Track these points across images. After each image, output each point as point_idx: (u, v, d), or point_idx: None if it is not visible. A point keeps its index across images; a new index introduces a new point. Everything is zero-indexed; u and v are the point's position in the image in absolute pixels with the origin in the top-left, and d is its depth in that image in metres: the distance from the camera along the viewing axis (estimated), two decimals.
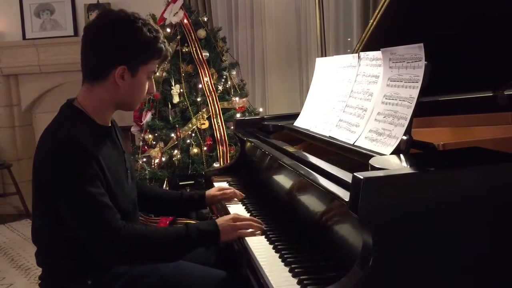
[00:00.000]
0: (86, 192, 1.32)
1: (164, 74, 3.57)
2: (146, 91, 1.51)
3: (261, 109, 3.90)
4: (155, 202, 1.80)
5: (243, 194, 1.83)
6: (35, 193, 1.45)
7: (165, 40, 1.51)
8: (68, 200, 1.35)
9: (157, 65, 1.52)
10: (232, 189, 1.84)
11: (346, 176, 1.17)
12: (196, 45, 3.58)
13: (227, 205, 1.81)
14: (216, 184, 2.09)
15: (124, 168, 1.54)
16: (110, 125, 1.53)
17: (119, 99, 1.47)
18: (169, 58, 1.59)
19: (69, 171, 1.33)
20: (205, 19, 3.78)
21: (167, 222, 3.08)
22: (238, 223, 1.47)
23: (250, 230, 1.46)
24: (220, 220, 1.48)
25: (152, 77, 1.53)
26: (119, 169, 1.49)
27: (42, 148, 1.41)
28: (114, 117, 1.64)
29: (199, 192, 1.83)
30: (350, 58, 1.65)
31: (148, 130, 3.59)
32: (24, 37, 4.63)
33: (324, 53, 2.82)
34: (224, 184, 2.09)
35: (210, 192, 1.82)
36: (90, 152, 1.35)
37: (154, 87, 1.57)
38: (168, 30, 3.63)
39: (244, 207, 1.76)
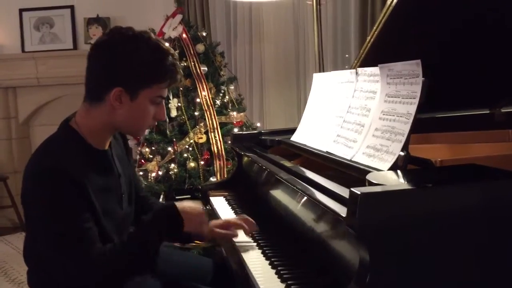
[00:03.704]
0: (64, 223, 1.28)
1: None
2: (150, 117, 1.40)
3: (258, 124, 3.90)
4: None
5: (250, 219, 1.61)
6: (25, 216, 1.41)
7: (176, 63, 1.40)
8: (44, 228, 1.31)
9: (165, 89, 1.40)
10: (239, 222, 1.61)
11: (343, 192, 1.17)
12: (195, 60, 3.60)
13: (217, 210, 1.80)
14: (213, 200, 2.08)
15: (119, 194, 1.47)
16: (106, 148, 1.46)
17: (117, 123, 1.40)
18: (179, 82, 1.43)
19: (48, 200, 1.28)
20: (204, 34, 3.79)
21: None
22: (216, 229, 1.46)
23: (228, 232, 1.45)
24: (186, 209, 1.40)
25: (163, 102, 1.43)
26: (110, 197, 1.42)
27: (28, 172, 1.35)
28: None
29: None
30: (348, 73, 1.66)
31: (145, 144, 3.59)
32: (23, 50, 4.65)
33: (322, 69, 2.83)
34: (221, 200, 2.08)
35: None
36: (76, 183, 1.29)
37: (165, 113, 1.44)
38: (167, 44, 3.64)
39: None
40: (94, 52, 1.39)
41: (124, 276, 1.34)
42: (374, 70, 1.47)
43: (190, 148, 3.50)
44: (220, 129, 3.51)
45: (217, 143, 3.46)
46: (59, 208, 1.28)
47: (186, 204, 1.44)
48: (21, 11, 4.64)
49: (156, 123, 3.51)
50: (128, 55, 1.34)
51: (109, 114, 1.38)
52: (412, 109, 1.24)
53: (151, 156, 3.55)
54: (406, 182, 1.11)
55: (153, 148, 3.55)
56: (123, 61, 1.35)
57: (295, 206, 1.51)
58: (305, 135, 1.83)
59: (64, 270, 1.31)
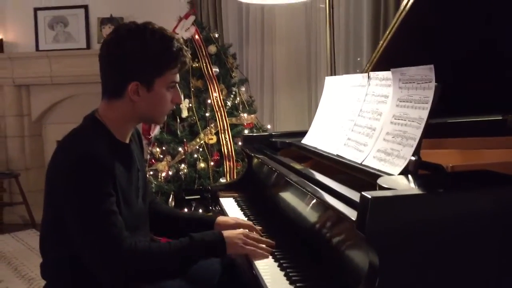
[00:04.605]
0: (99, 210, 1.30)
1: None
2: (168, 103, 1.45)
3: (269, 126, 3.91)
4: (168, 224, 1.70)
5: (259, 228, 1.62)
6: (48, 207, 1.43)
7: (183, 47, 1.43)
8: (78, 216, 1.33)
9: (177, 74, 1.45)
10: (249, 223, 1.64)
11: (354, 195, 1.17)
12: (207, 61, 3.61)
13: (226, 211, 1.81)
14: (223, 201, 2.09)
15: (136, 187, 1.50)
16: (128, 141, 1.49)
17: (139, 114, 1.44)
18: (188, 65, 1.48)
19: (84, 187, 1.31)
20: (216, 35, 3.82)
21: None
22: (248, 240, 1.44)
23: (259, 251, 1.42)
24: (228, 233, 1.45)
25: (177, 86, 1.47)
26: (131, 188, 1.46)
27: (59, 161, 1.37)
28: None
29: (208, 219, 1.70)
30: (360, 77, 1.66)
31: (156, 144, 3.61)
32: (37, 49, 4.70)
33: (333, 72, 2.83)
34: (231, 202, 2.09)
35: (222, 223, 1.64)
36: (108, 169, 1.33)
37: (181, 96, 1.49)
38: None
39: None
40: (105, 52, 1.42)
41: (154, 274, 1.36)
42: (386, 74, 1.47)
43: (200, 149, 3.51)
44: (231, 130, 3.52)
45: (227, 144, 3.47)
46: (94, 193, 1.31)
47: (231, 230, 1.47)
48: (35, 10, 4.70)
49: (167, 123, 3.55)
50: (137, 49, 1.37)
51: (130, 107, 1.42)
52: (424, 114, 1.24)
53: (161, 156, 3.57)
54: (417, 187, 1.11)
55: (163, 148, 3.57)
56: (134, 56, 1.38)
57: (305, 208, 1.51)
58: (316, 138, 1.83)
59: (96, 253, 1.32)
